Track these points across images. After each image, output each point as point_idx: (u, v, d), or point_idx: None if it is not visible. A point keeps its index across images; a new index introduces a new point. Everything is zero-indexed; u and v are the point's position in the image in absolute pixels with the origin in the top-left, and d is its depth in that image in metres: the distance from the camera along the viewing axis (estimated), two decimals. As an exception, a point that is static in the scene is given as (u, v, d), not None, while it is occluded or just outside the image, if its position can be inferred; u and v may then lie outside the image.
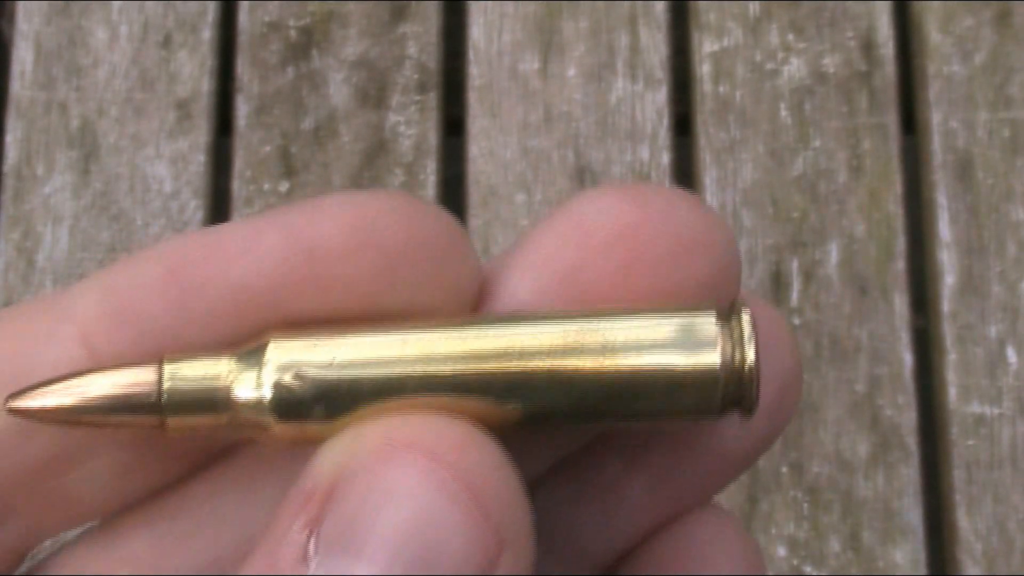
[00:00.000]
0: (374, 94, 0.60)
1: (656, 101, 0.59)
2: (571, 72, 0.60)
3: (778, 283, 0.57)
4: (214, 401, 0.20)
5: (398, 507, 0.18)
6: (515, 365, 0.20)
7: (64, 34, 0.61)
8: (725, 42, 0.60)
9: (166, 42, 0.60)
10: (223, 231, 0.21)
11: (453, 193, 0.60)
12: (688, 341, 0.20)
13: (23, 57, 0.60)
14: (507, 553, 0.19)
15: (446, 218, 0.21)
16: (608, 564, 0.24)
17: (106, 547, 0.23)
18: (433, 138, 0.59)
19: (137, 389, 0.20)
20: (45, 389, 0.21)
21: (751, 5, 0.60)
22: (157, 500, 0.23)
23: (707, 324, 0.20)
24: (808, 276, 0.58)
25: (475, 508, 0.19)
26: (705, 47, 0.60)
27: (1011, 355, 0.57)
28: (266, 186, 0.59)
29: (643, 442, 0.23)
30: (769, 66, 0.60)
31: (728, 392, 0.20)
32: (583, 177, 0.59)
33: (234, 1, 0.61)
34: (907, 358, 0.57)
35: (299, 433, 0.20)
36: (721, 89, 0.60)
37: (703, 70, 0.60)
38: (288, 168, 0.59)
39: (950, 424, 0.56)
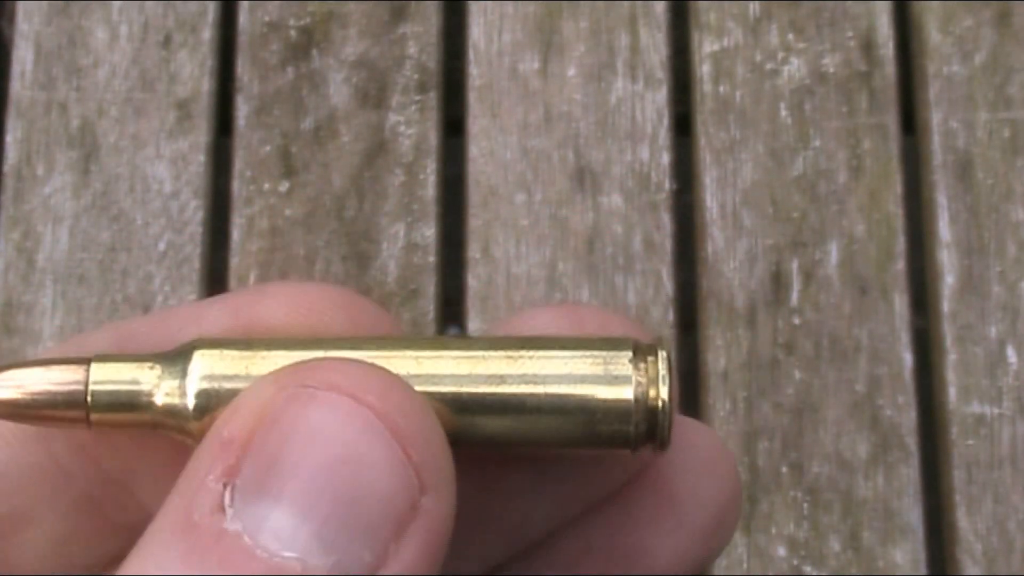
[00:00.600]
0: (374, 94, 0.60)
1: (656, 101, 0.59)
2: (571, 72, 0.60)
3: (778, 283, 0.57)
4: (137, 403, 0.21)
5: (320, 447, 0.18)
6: (442, 388, 0.20)
7: (64, 34, 0.61)
8: (725, 42, 0.60)
9: (166, 42, 0.60)
10: (173, 309, 0.22)
11: (453, 193, 0.60)
12: (606, 376, 0.21)
13: (23, 57, 0.60)
14: (430, 496, 0.19)
15: (375, 308, 0.23)
16: None
17: None
18: (433, 138, 0.59)
19: (66, 386, 0.21)
20: None
21: (751, 5, 0.60)
22: None
23: (623, 361, 0.21)
24: (808, 276, 0.58)
25: (398, 448, 0.18)
26: (705, 47, 0.60)
27: (1011, 355, 0.57)
28: (266, 186, 0.59)
29: (575, 556, 0.23)
30: (769, 66, 0.60)
31: (641, 426, 0.21)
32: (583, 177, 0.59)
33: (234, 1, 0.61)
34: (907, 358, 0.57)
35: None
36: (721, 89, 0.60)
37: (703, 70, 0.60)
38: (288, 168, 0.59)
39: (950, 424, 0.56)
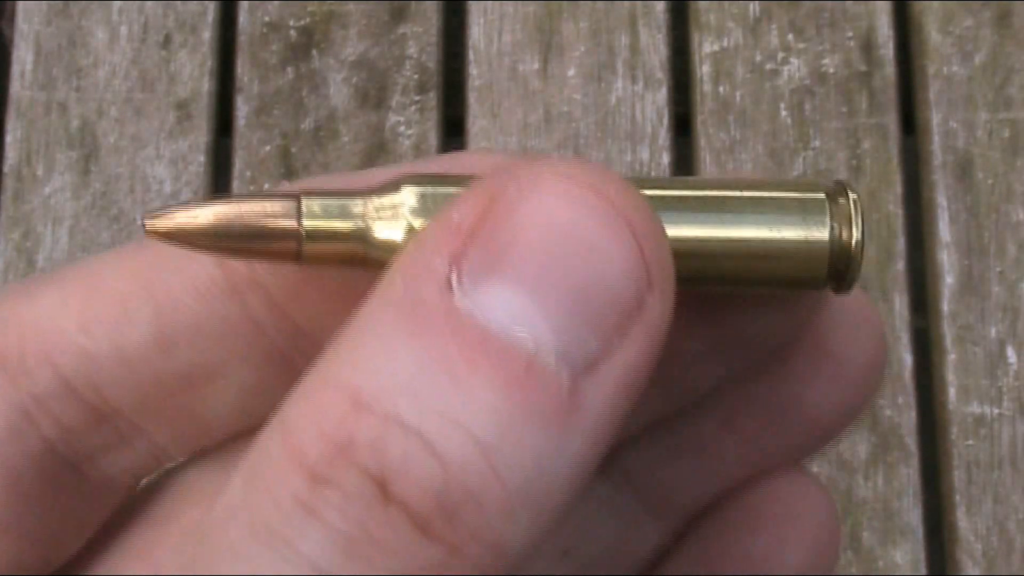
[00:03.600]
0: (374, 94, 0.60)
1: (656, 101, 0.59)
2: (571, 72, 0.60)
3: (778, 283, 0.58)
4: (348, 235, 0.21)
5: (558, 233, 0.18)
6: None
7: (64, 34, 0.61)
8: (725, 42, 0.60)
9: (166, 42, 0.60)
10: (378, 169, 0.23)
11: (453, 193, 0.59)
12: (800, 217, 0.21)
13: (23, 57, 0.60)
14: (655, 293, 0.19)
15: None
16: (696, 514, 0.25)
17: (216, 470, 0.23)
18: (433, 138, 0.59)
19: (280, 218, 0.21)
20: (184, 213, 0.21)
21: (751, 5, 0.60)
22: None
23: (818, 202, 0.21)
24: (808, 276, 0.58)
25: (634, 242, 0.18)
26: (705, 47, 0.60)
27: (1011, 355, 0.57)
28: (266, 186, 0.59)
29: (736, 407, 0.24)
30: (769, 66, 0.60)
31: (834, 265, 0.21)
32: (583, 177, 0.58)
33: (234, 1, 0.61)
34: (907, 358, 0.57)
35: None
36: (721, 89, 0.60)
37: (703, 70, 0.60)
38: (288, 168, 0.59)
39: (950, 424, 0.56)
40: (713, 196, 0.21)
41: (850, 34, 0.60)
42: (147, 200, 0.59)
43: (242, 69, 0.60)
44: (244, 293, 0.22)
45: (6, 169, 0.59)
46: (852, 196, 0.21)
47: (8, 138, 0.59)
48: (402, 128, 0.59)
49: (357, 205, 0.21)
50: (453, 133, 0.60)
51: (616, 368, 0.18)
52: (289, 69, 0.60)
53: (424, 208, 0.21)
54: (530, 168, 0.19)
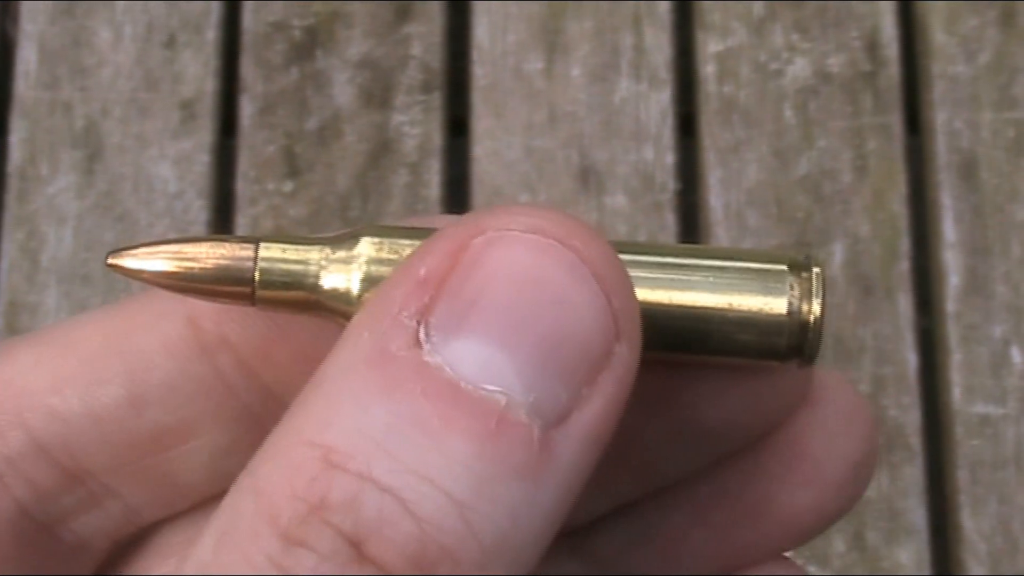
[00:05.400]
0: (378, 94, 0.60)
1: (660, 101, 0.59)
2: (575, 72, 0.60)
3: (782, 283, 0.57)
4: (303, 283, 0.21)
5: (527, 287, 0.18)
6: None
7: (68, 34, 0.61)
8: (729, 42, 0.60)
9: (170, 42, 0.60)
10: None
11: (457, 193, 0.60)
12: (761, 287, 0.21)
13: (27, 57, 0.60)
14: (623, 344, 0.19)
15: None
16: None
17: (192, 530, 0.23)
18: (437, 138, 0.59)
19: (236, 261, 0.21)
20: (146, 250, 0.21)
21: (755, 5, 0.60)
22: None
23: (779, 273, 0.21)
24: (812, 276, 0.58)
25: (601, 293, 0.18)
26: (709, 47, 0.60)
27: (1015, 355, 0.57)
28: (270, 186, 0.59)
29: (706, 501, 0.24)
30: (773, 66, 0.60)
31: (792, 340, 0.21)
32: (587, 177, 0.58)
33: (238, 1, 0.61)
34: (911, 358, 0.57)
35: None
36: (725, 89, 0.60)
37: (707, 70, 0.60)
38: (292, 168, 0.59)
39: (954, 424, 0.56)
40: (677, 263, 0.21)
41: (855, 34, 0.60)
42: (151, 200, 0.59)
43: (246, 69, 0.60)
44: (214, 353, 0.22)
45: (11, 169, 0.59)
46: (815, 270, 0.21)
47: (13, 138, 0.59)
48: (406, 128, 0.59)
49: (313, 252, 0.21)
50: (457, 133, 0.60)
51: (587, 418, 0.18)
52: (293, 69, 0.60)
53: (381, 260, 0.21)
54: (495, 218, 0.19)
